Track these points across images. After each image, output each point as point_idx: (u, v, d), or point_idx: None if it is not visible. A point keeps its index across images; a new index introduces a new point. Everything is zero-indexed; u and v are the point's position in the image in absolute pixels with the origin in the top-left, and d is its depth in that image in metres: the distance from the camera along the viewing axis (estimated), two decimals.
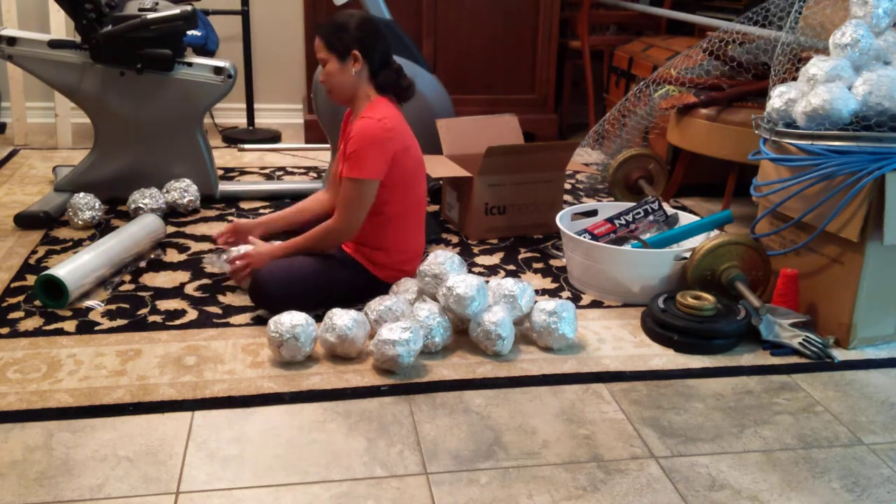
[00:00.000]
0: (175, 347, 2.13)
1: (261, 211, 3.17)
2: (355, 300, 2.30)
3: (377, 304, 2.21)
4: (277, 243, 2.41)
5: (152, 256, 2.67)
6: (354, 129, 2.29)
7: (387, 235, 2.38)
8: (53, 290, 2.30)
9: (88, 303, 2.34)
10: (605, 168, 3.61)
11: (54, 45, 3.04)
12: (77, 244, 2.78)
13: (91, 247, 2.48)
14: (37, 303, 2.33)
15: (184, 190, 3.09)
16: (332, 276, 2.31)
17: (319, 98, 3.27)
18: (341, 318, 2.07)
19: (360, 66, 2.30)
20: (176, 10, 3.00)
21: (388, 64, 2.36)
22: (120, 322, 2.25)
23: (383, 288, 2.39)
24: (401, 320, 2.10)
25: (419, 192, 2.44)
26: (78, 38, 3.04)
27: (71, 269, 2.33)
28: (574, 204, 3.21)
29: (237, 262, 2.36)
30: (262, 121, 4.60)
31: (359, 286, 2.35)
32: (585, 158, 4.04)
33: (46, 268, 2.57)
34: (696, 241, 2.59)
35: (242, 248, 2.42)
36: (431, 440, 1.79)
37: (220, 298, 2.42)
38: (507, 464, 1.72)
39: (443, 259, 2.26)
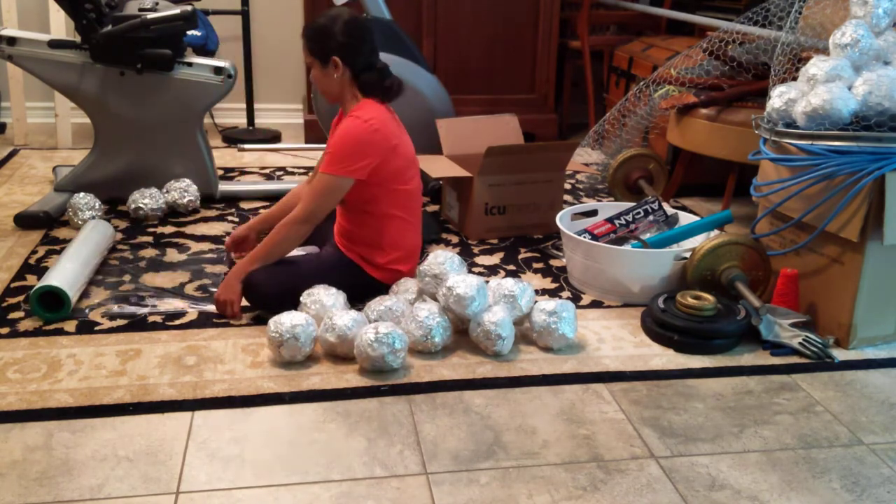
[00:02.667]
0: (175, 347, 2.13)
1: (261, 211, 3.17)
2: (353, 300, 2.30)
3: (377, 304, 2.21)
4: (247, 256, 2.34)
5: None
6: (340, 126, 2.32)
7: (378, 234, 2.38)
8: (51, 301, 2.25)
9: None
10: (605, 168, 3.61)
11: (54, 45, 3.04)
12: None
13: (68, 255, 2.42)
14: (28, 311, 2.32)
15: (184, 190, 3.09)
16: (328, 276, 2.30)
17: (319, 98, 3.27)
18: (341, 318, 2.07)
19: (342, 71, 2.31)
20: (176, 10, 3.00)
21: (372, 66, 2.34)
22: (120, 322, 2.25)
23: (380, 288, 2.39)
24: (381, 322, 2.07)
25: (410, 190, 2.43)
26: (78, 38, 3.04)
27: (62, 278, 2.27)
28: (574, 204, 3.21)
29: (219, 305, 2.31)
30: (262, 121, 4.60)
31: (355, 286, 2.34)
32: (585, 158, 4.04)
33: (47, 268, 2.57)
34: (696, 241, 2.59)
35: None
36: (431, 440, 1.79)
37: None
38: (507, 464, 1.72)
39: (443, 259, 2.26)
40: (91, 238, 2.58)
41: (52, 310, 2.25)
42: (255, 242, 2.56)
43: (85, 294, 2.40)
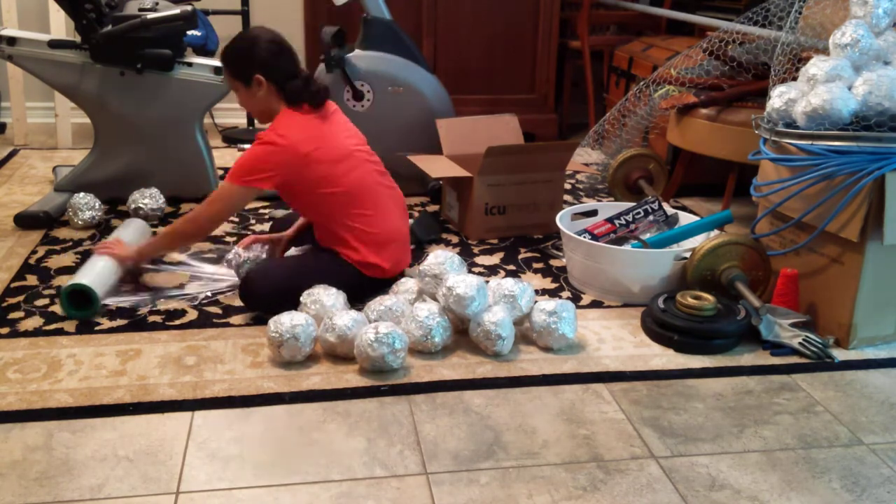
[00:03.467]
0: (175, 347, 2.13)
1: (261, 211, 3.17)
2: (353, 300, 2.30)
3: (377, 304, 2.21)
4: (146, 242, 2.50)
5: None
6: (254, 141, 2.33)
7: (343, 231, 2.37)
8: (78, 299, 2.26)
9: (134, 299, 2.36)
10: (605, 168, 3.61)
11: (54, 45, 3.04)
12: (77, 244, 2.78)
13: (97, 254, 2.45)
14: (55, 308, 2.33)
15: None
16: (325, 276, 2.30)
17: None
18: (341, 318, 2.07)
19: (266, 87, 2.32)
20: (176, 10, 3.00)
21: (295, 75, 2.35)
22: (120, 322, 2.25)
23: (379, 287, 2.39)
24: (381, 322, 2.07)
25: (351, 182, 2.35)
26: (78, 38, 3.04)
27: (93, 277, 2.29)
28: (574, 204, 3.21)
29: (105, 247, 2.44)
30: None
31: (352, 286, 2.33)
32: (585, 158, 4.04)
33: (47, 268, 2.57)
34: (696, 241, 2.58)
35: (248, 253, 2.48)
36: (431, 440, 1.79)
37: (220, 298, 2.42)
38: (507, 464, 1.72)
39: (443, 259, 2.26)
40: (125, 235, 2.60)
41: (81, 306, 2.26)
42: (286, 246, 2.60)
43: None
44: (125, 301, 2.35)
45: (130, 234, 2.63)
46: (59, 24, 3.97)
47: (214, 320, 2.28)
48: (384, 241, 2.41)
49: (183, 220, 2.40)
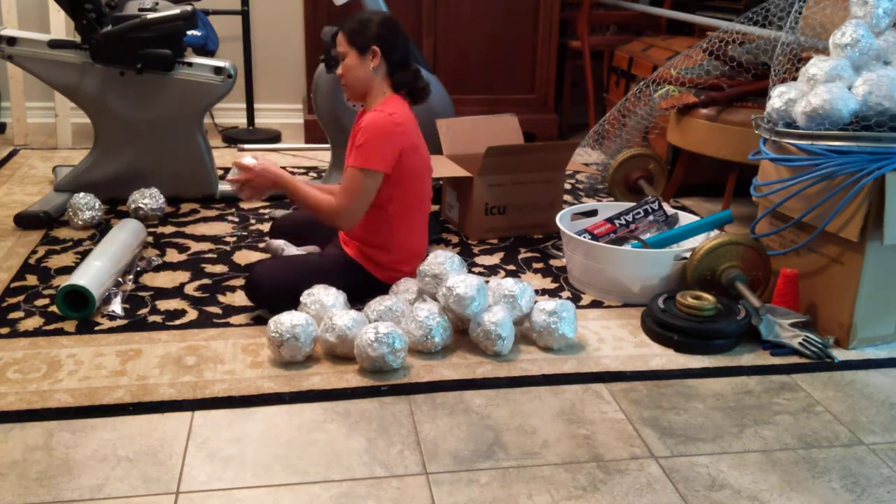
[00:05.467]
0: (175, 347, 2.13)
1: (261, 210, 3.17)
2: (353, 300, 2.30)
3: (377, 304, 2.21)
4: (298, 183, 2.32)
5: (154, 259, 2.66)
6: (364, 120, 2.30)
7: (389, 233, 2.38)
8: (75, 300, 2.26)
9: (112, 308, 2.32)
10: (605, 168, 3.60)
11: (54, 45, 3.04)
12: (77, 244, 2.78)
13: (97, 253, 2.45)
14: (52, 307, 2.32)
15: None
16: (330, 276, 2.30)
17: (319, 98, 3.27)
18: (341, 318, 2.07)
19: (378, 63, 2.32)
20: (176, 10, 3.00)
21: (407, 65, 2.38)
22: (120, 322, 2.25)
23: (380, 288, 2.39)
24: (381, 322, 2.07)
25: (424, 192, 2.44)
26: (78, 38, 3.04)
27: (89, 278, 2.28)
28: (574, 204, 3.21)
29: (239, 176, 2.31)
30: (262, 121, 4.60)
31: (356, 286, 2.34)
32: (585, 158, 4.04)
33: (47, 268, 2.57)
34: (696, 241, 2.59)
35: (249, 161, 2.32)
36: (431, 440, 1.79)
37: (220, 298, 2.42)
38: (507, 464, 1.72)
39: (443, 259, 2.26)
40: (119, 237, 2.59)
41: (78, 307, 2.25)
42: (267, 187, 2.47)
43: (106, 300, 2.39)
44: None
45: (126, 235, 2.62)
46: (59, 24, 3.97)
47: (214, 320, 2.28)
48: (416, 254, 2.45)
49: (326, 205, 2.28)
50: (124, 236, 2.61)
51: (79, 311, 2.25)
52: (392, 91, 2.36)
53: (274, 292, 2.26)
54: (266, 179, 2.30)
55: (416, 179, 2.38)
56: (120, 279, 2.45)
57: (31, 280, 2.49)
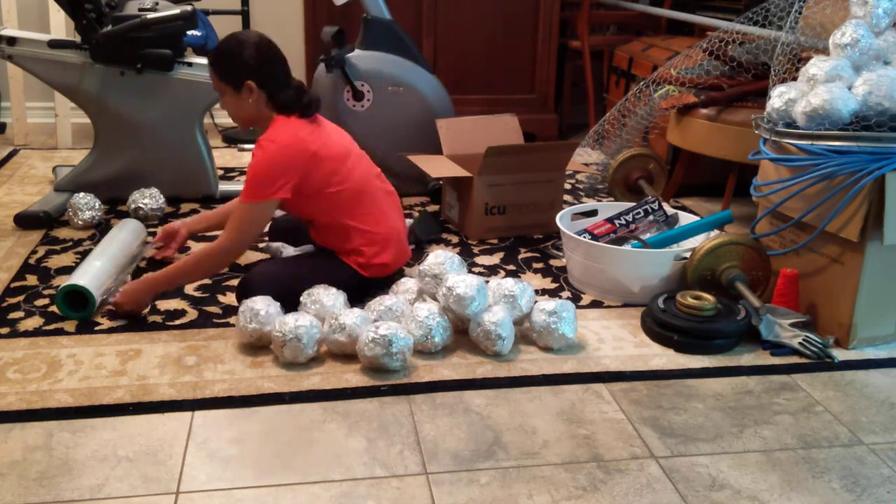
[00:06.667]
0: (175, 347, 2.13)
1: None
2: (352, 301, 2.29)
3: (377, 304, 2.21)
4: (161, 271, 2.30)
5: (155, 257, 2.66)
6: (255, 154, 2.24)
7: (344, 236, 2.36)
8: (75, 300, 2.26)
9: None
10: (605, 168, 3.60)
11: (54, 45, 3.04)
12: (77, 244, 2.78)
13: (97, 253, 2.44)
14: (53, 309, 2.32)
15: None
16: (324, 277, 2.29)
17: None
18: (347, 316, 2.07)
19: (256, 95, 2.25)
20: (176, 10, 3.00)
21: (287, 85, 2.29)
22: (120, 322, 2.25)
23: (378, 287, 2.39)
24: (383, 322, 2.07)
25: (358, 177, 2.35)
26: (78, 38, 3.04)
27: (89, 278, 2.28)
28: (574, 204, 3.21)
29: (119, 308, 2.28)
30: None
31: (351, 286, 2.33)
32: (585, 158, 4.04)
33: (47, 268, 2.57)
34: (696, 241, 2.59)
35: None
36: (431, 440, 1.79)
37: (220, 298, 2.42)
38: (507, 464, 1.72)
39: (443, 259, 2.26)
40: (119, 237, 2.59)
41: (78, 307, 2.25)
42: (185, 239, 2.64)
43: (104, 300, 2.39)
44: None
45: (126, 235, 2.62)
46: (59, 24, 3.97)
47: (214, 320, 2.28)
48: (387, 239, 2.40)
49: (205, 253, 2.26)
50: (124, 236, 2.60)
51: (79, 312, 2.25)
52: (277, 113, 2.29)
53: (264, 295, 2.24)
54: (141, 299, 2.26)
55: (332, 183, 2.30)
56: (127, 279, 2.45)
57: (31, 280, 2.49)
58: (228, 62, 2.25)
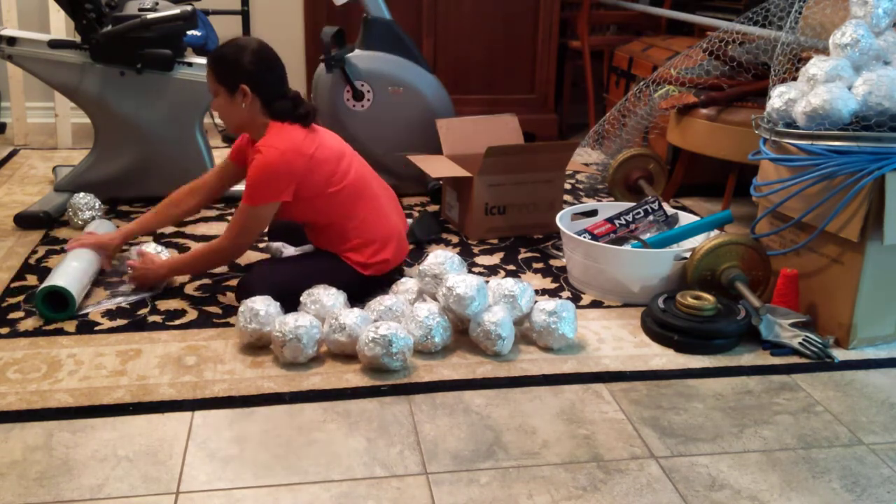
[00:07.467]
0: (175, 347, 2.13)
1: None
2: (352, 300, 2.29)
3: (377, 304, 2.21)
4: (166, 258, 2.46)
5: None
6: (255, 159, 2.24)
7: (343, 237, 2.36)
8: (56, 301, 2.26)
9: (107, 304, 2.34)
10: (605, 168, 3.61)
11: (54, 45, 3.04)
12: None
13: (73, 254, 2.43)
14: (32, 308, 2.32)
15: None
16: (323, 277, 2.29)
17: (319, 98, 3.27)
18: (347, 316, 2.07)
19: (250, 99, 2.26)
20: (176, 10, 3.00)
21: (283, 94, 2.30)
22: (120, 322, 2.25)
23: (375, 286, 2.39)
24: (383, 322, 2.07)
25: (356, 179, 2.36)
26: (78, 38, 3.04)
27: (69, 279, 2.27)
28: (574, 204, 3.21)
29: (130, 273, 2.43)
30: None
31: (350, 286, 2.33)
32: (585, 158, 4.04)
33: (47, 268, 2.57)
34: (696, 241, 2.59)
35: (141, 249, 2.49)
36: (431, 440, 1.79)
37: (220, 298, 2.42)
38: (507, 464, 1.72)
39: (443, 259, 2.26)
40: (98, 232, 2.58)
41: (58, 309, 2.25)
42: (115, 251, 2.56)
43: (86, 294, 2.39)
44: (112, 303, 2.36)
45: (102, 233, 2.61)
46: (59, 24, 3.97)
47: (214, 320, 2.28)
48: (386, 237, 2.41)
49: (209, 250, 2.35)
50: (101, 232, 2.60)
51: (59, 312, 2.24)
52: (272, 119, 2.30)
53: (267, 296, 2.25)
54: (146, 279, 2.41)
55: (330, 184, 2.31)
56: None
57: (31, 280, 2.49)
58: (226, 64, 2.27)
